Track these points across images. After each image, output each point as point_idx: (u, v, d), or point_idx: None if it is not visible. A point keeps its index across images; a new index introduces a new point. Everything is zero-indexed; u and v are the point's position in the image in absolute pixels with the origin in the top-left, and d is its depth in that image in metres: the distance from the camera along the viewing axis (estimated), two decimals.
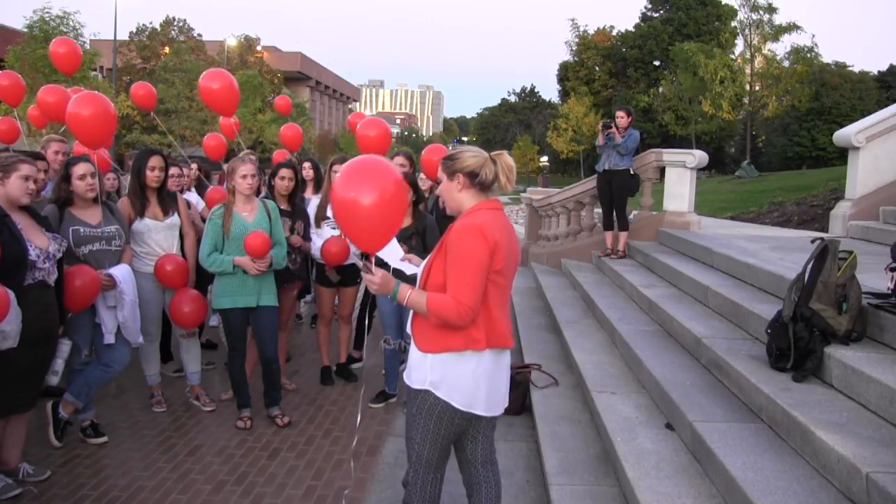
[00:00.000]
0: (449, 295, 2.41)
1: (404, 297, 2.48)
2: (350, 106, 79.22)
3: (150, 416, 4.61)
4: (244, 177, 4.29)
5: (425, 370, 2.53)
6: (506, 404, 2.69)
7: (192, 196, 5.91)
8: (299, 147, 8.14)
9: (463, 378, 2.51)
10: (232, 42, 42.94)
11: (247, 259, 4.22)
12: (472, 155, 2.54)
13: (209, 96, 5.33)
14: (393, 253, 2.81)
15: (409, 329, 2.64)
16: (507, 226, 2.57)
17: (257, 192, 4.56)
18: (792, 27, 37.53)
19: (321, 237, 5.18)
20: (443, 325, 2.44)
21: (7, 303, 2.98)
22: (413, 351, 2.60)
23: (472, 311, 2.40)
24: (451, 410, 2.53)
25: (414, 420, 2.62)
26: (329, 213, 5.25)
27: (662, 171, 8.19)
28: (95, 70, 27.72)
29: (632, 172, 7.48)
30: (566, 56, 57.40)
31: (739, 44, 44.31)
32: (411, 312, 2.63)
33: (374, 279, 2.50)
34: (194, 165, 6.71)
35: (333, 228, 5.23)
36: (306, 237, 5.10)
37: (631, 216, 8.08)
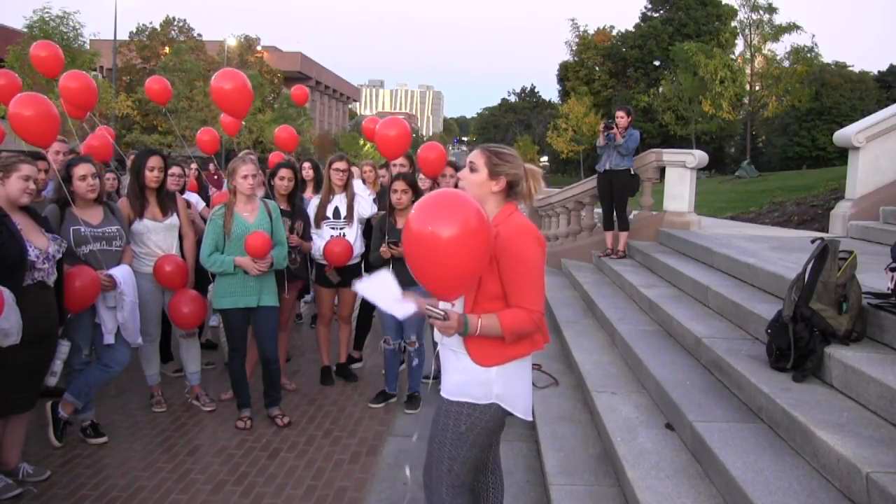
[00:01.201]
0: (516, 304, 2.32)
1: (476, 329, 2.29)
2: (350, 106, 79.23)
3: (150, 416, 4.61)
4: (245, 177, 4.29)
5: (489, 384, 2.39)
6: None
7: (192, 196, 5.91)
8: (295, 148, 8.13)
9: (524, 385, 2.46)
10: (232, 42, 42.96)
11: (248, 259, 4.22)
12: (519, 163, 2.47)
13: (221, 97, 5.19)
14: (383, 291, 2.39)
15: (438, 339, 2.48)
16: None
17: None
18: (792, 27, 37.54)
19: (321, 237, 5.18)
20: (519, 338, 2.36)
21: (1, 300, 2.98)
22: (467, 365, 2.40)
23: (542, 315, 2.36)
24: (503, 421, 2.48)
25: (463, 438, 2.43)
26: (329, 212, 5.24)
27: (662, 171, 8.19)
28: (95, 70, 27.74)
29: (632, 172, 7.49)
30: (566, 56, 57.45)
31: (739, 44, 44.35)
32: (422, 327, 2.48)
33: (451, 324, 2.24)
34: (194, 165, 6.72)
35: (333, 228, 5.23)
36: (306, 237, 5.10)
37: (631, 216, 8.08)
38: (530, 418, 2.52)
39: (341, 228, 5.24)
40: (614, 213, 7.61)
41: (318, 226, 5.21)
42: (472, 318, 2.29)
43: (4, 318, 3.04)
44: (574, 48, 56.17)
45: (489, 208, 2.42)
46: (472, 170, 2.46)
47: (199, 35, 42.29)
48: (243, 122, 5.92)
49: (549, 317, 6.48)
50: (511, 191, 2.46)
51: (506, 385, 2.40)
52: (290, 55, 57.65)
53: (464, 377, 2.42)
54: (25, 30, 24.37)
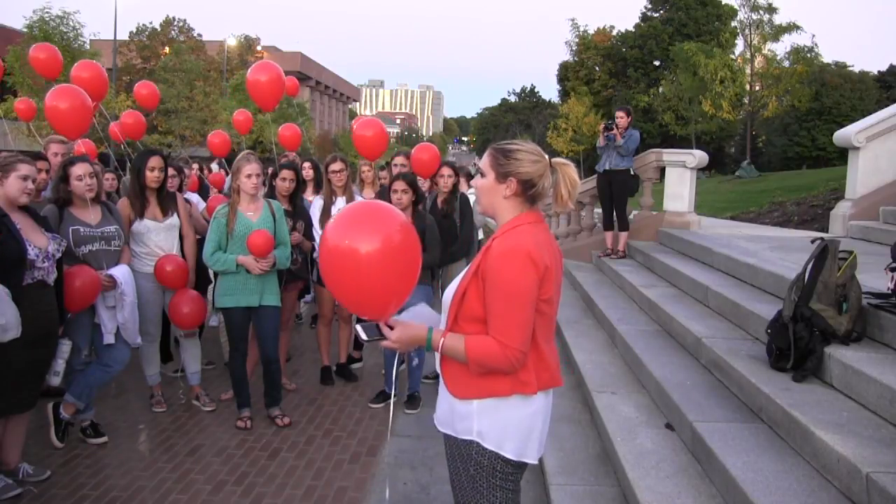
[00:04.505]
0: (492, 335, 1.99)
1: (438, 346, 2.06)
2: (350, 106, 79.28)
3: (150, 416, 4.62)
4: (249, 176, 4.29)
5: (471, 418, 2.09)
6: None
7: (193, 196, 5.92)
8: (298, 147, 8.16)
9: (515, 422, 2.10)
10: (232, 42, 42.97)
11: (250, 258, 4.22)
12: (533, 159, 2.08)
13: (255, 89, 5.43)
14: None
15: (438, 368, 2.22)
16: (553, 242, 2.16)
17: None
18: (792, 27, 37.50)
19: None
20: (487, 372, 2.05)
21: None
22: (448, 395, 2.15)
23: (522, 353, 2.00)
24: (502, 462, 2.11)
25: (476, 483, 2.13)
26: (334, 214, 5.24)
27: (662, 171, 8.20)
28: None
29: (632, 173, 7.49)
30: (566, 56, 57.30)
31: (739, 44, 44.27)
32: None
33: (392, 343, 2.10)
34: (195, 166, 6.72)
35: None
36: (308, 237, 5.11)
37: (631, 216, 8.08)
38: (529, 461, 2.17)
39: None
40: (614, 214, 7.62)
41: (322, 227, 5.21)
42: (436, 335, 2.08)
43: (0, 314, 3.04)
44: (574, 48, 56.07)
45: (504, 217, 2.12)
46: (481, 175, 2.16)
47: (199, 35, 42.28)
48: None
49: None
50: (527, 192, 2.09)
51: (491, 421, 2.08)
52: (290, 55, 57.61)
53: (447, 406, 2.17)
54: (25, 30, 24.33)
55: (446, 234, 5.07)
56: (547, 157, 2.12)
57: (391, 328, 2.14)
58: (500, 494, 2.14)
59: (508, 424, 2.10)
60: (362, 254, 2.04)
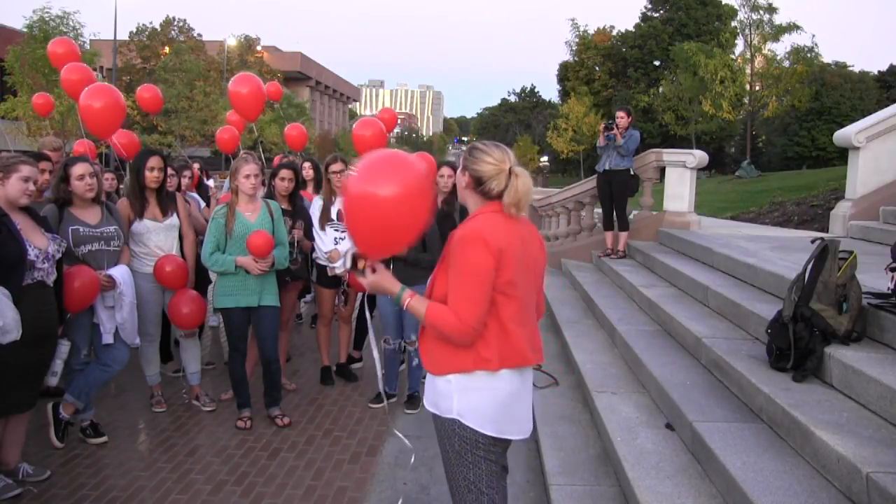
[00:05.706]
0: (450, 308, 2.21)
1: (405, 302, 2.28)
2: (350, 105, 79.32)
3: (150, 416, 4.62)
4: (247, 176, 4.29)
5: (450, 397, 2.28)
6: (531, 422, 2.46)
7: (193, 195, 5.91)
8: (304, 146, 8.19)
9: (490, 401, 2.27)
10: (232, 42, 43.02)
11: (249, 259, 4.22)
12: (490, 161, 2.26)
13: (237, 100, 5.43)
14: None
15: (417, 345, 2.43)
16: (519, 230, 2.31)
17: None
18: (792, 27, 37.56)
19: (324, 240, 5.17)
20: (444, 339, 2.25)
21: None
22: (429, 375, 2.37)
23: (473, 328, 2.18)
24: (484, 438, 2.28)
25: (460, 460, 2.32)
26: (333, 215, 5.23)
27: (662, 171, 8.20)
28: (95, 70, 27.70)
29: (632, 172, 7.49)
30: (566, 56, 57.42)
31: (739, 44, 44.35)
32: (419, 328, 2.41)
33: (365, 283, 2.32)
34: (196, 165, 6.72)
35: (336, 230, 5.22)
36: (307, 237, 5.10)
37: (631, 216, 8.08)
38: (512, 437, 2.35)
39: (343, 231, 5.23)
40: (614, 213, 7.62)
41: (322, 227, 5.20)
42: (406, 293, 2.30)
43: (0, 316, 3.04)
44: (574, 48, 56.12)
45: (470, 208, 2.38)
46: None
47: (199, 35, 42.31)
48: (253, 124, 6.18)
49: (549, 317, 6.48)
50: (477, 187, 2.29)
51: (469, 401, 2.26)
52: (290, 55, 57.68)
53: (430, 386, 2.37)
54: (25, 30, 24.31)
55: (447, 234, 5.04)
56: (509, 165, 2.27)
57: (373, 271, 2.33)
58: (485, 466, 2.31)
59: (483, 405, 2.27)
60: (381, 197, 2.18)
